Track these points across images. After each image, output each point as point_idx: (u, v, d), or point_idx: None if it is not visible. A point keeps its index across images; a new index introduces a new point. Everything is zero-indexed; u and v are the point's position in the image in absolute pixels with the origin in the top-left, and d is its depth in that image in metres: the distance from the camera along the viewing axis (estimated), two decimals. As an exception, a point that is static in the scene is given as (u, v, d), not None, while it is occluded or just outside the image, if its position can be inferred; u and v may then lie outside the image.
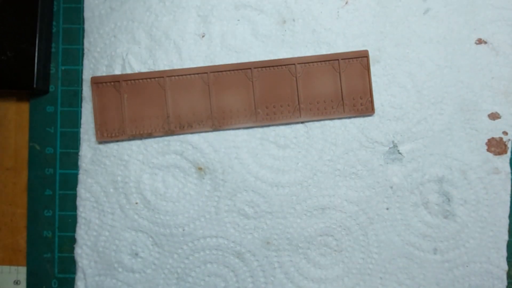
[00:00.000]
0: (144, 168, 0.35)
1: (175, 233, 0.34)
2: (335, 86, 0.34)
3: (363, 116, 0.35)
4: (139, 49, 0.35)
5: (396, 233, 0.34)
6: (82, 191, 0.35)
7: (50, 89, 0.36)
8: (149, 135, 0.35)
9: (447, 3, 0.35)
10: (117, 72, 0.35)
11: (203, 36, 0.35)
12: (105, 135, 0.35)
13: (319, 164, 0.35)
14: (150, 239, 0.35)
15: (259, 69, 0.34)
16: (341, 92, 0.34)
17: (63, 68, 0.36)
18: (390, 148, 0.35)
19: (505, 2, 0.35)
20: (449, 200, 0.34)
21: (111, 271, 0.35)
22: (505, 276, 0.34)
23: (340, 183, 0.35)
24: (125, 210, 0.35)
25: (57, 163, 0.36)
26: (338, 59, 0.34)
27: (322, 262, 0.35)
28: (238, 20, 0.35)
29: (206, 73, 0.34)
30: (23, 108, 0.37)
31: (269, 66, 0.34)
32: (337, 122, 0.35)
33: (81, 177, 0.35)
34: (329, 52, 0.35)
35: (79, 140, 0.35)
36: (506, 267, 0.34)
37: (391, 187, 0.34)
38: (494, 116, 0.35)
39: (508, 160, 0.34)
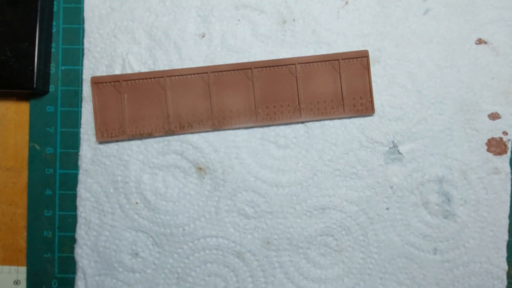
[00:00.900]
0: (144, 168, 0.35)
1: (175, 233, 0.34)
2: (335, 86, 0.34)
3: (363, 116, 0.35)
4: (139, 49, 0.35)
5: (396, 233, 0.34)
6: (82, 191, 0.35)
7: (50, 89, 0.36)
8: (149, 135, 0.35)
9: (447, 3, 0.35)
10: (117, 72, 0.35)
11: (203, 36, 0.35)
12: (105, 135, 0.35)
13: (319, 164, 0.35)
14: (150, 239, 0.35)
15: (259, 69, 0.34)
16: (341, 92, 0.34)
17: (63, 68, 0.36)
18: (390, 148, 0.35)
19: (505, 2, 0.35)
20: (449, 200, 0.34)
21: (111, 271, 0.35)
22: (505, 276, 0.34)
23: (340, 183, 0.35)
24: (125, 210, 0.35)
25: (57, 163, 0.36)
26: (338, 59, 0.34)
27: (322, 262, 0.35)
28: (238, 20, 0.35)
29: (206, 73, 0.34)
30: (23, 108, 0.37)
31: (269, 66, 0.34)
32: (337, 122, 0.35)
33: (81, 177, 0.35)
34: (329, 52, 0.35)
35: (79, 140, 0.35)
36: (506, 267, 0.34)
37: (391, 187, 0.35)
38: (494, 116, 0.35)
39: (508, 160, 0.34)
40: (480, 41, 0.35)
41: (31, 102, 0.36)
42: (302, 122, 0.35)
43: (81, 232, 0.35)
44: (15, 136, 0.36)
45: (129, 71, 0.35)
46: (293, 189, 0.35)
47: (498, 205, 0.34)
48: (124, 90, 0.35)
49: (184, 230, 0.34)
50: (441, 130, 0.35)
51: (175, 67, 0.35)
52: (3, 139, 0.37)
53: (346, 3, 0.35)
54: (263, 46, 0.35)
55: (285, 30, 0.35)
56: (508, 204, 0.34)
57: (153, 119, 0.34)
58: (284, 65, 0.34)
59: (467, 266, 0.34)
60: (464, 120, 0.35)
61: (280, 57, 0.35)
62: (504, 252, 0.34)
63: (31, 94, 0.36)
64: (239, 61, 0.35)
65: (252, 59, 0.35)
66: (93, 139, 0.35)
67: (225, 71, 0.34)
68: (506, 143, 0.34)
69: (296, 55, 0.35)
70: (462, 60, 0.35)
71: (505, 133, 0.34)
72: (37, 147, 0.36)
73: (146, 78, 0.35)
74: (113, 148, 0.35)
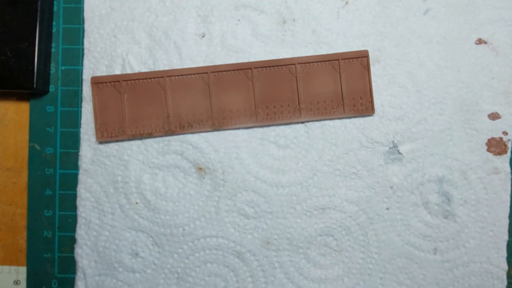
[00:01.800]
0: (144, 168, 0.35)
1: (175, 233, 0.34)
2: (335, 86, 0.34)
3: (363, 116, 0.35)
4: (139, 49, 0.35)
5: (396, 233, 0.34)
6: (82, 191, 0.35)
7: (50, 89, 0.36)
8: (149, 135, 0.35)
9: (447, 3, 0.35)
10: (117, 72, 0.35)
11: (203, 36, 0.35)
12: (105, 135, 0.35)
13: (319, 164, 0.35)
14: (150, 239, 0.35)
15: (259, 69, 0.34)
16: (341, 92, 0.34)
17: (63, 68, 0.36)
18: (390, 148, 0.35)
19: (505, 2, 0.35)
20: (449, 200, 0.34)
21: (111, 271, 0.35)
22: (505, 276, 0.34)
23: (340, 183, 0.35)
24: (125, 210, 0.35)
25: (57, 163, 0.36)
26: (338, 59, 0.34)
27: (322, 262, 0.35)
28: (238, 20, 0.35)
29: (206, 73, 0.34)
30: (23, 108, 0.37)
31: (269, 66, 0.34)
32: (337, 122, 0.35)
33: (81, 177, 0.35)
34: (329, 52, 0.35)
35: (79, 140, 0.35)
36: (506, 267, 0.34)
37: (391, 187, 0.35)
38: (494, 116, 0.35)
39: (508, 160, 0.34)
40: (480, 41, 0.35)
41: (31, 102, 0.36)
42: (302, 122, 0.35)
43: (81, 232, 0.35)
44: (15, 136, 0.36)
45: (129, 71, 0.35)
46: (293, 189, 0.35)
47: (498, 205, 0.34)
48: (124, 90, 0.35)
49: (184, 230, 0.35)
50: (441, 130, 0.35)
51: (175, 67, 0.35)
52: (3, 139, 0.37)
53: (346, 3, 0.35)
54: (263, 46, 0.35)
55: (285, 30, 0.35)
56: (508, 204, 0.34)
57: (153, 119, 0.34)
58: (284, 65, 0.34)
59: (467, 266, 0.34)
60: (464, 120, 0.35)
61: (280, 57, 0.35)
62: (504, 252, 0.34)
63: (31, 94, 0.36)
64: (239, 61, 0.35)
65: (252, 59, 0.35)
66: (93, 139, 0.35)
67: (225, 71, 0.34)
68: (506, 143, 0.34)
69: (296, 55, 0.35)
70: (462, 60, 0.35)
71: (505, 133, 0.34)
72: (37, 147, 0.36)
73: (146, 78, 0.35)
74: (113, 148, 0.35)
